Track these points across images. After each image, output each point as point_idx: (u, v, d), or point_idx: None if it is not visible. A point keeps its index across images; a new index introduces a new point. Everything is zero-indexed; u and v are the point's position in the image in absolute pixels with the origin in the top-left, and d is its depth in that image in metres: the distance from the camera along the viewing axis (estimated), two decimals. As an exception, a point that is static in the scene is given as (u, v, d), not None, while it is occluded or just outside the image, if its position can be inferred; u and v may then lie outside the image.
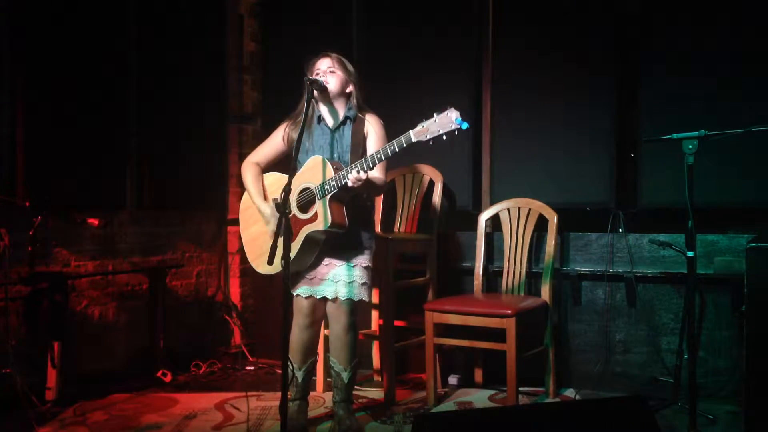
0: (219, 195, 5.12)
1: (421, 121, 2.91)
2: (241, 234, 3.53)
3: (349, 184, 3.03)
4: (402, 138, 2.96)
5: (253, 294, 5.18)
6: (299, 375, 3.39)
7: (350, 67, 3.38)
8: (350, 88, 3.36)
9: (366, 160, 3.02)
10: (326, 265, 3.31)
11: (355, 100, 3.36)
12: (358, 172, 3.01)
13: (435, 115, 2.88)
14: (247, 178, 3.45)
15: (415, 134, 2.91)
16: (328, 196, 3.11)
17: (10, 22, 3.81)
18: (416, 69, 4.61)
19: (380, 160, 3.03)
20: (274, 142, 3.49)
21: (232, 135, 5.17)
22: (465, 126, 2.83)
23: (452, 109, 2.85)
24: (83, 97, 4.16)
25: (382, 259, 3.79)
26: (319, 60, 3.35)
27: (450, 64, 4.52)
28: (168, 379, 4.24)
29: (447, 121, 2.84)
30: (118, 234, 4.41)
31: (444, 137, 2.87)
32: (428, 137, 2.88)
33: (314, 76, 3.29)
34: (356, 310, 3.35)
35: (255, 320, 5.12)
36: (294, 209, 3.21)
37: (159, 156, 4.61)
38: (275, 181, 3.44)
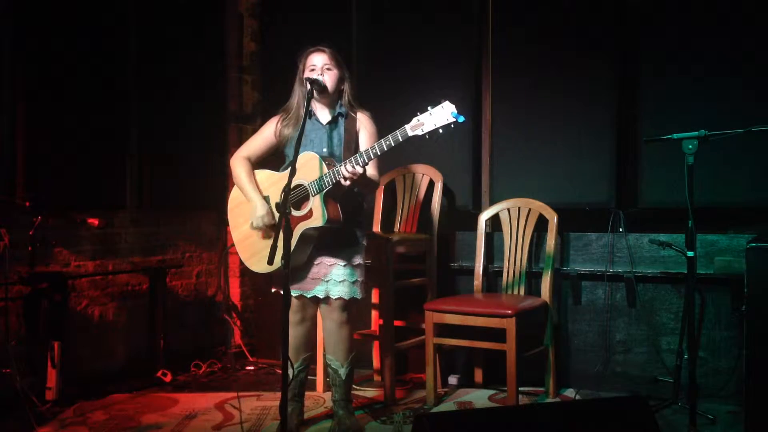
0: (219, 195, 5.10)
1: (416, 115, 2.89)
2: (232, 233, 3.47)
3: (345, 178, 3.02)
4: (398, 132, 2.94)
5: (253, 294, 5.18)
6: (292, 372, 3.36)
7: (343, 62, 3.36)
8: (344, 84, 3.36)
9: (362, 155, 3.01)
10: (317, 264, 3.30)
11: (346, 97, 3.35)
12: (353, 166, 2.99)
13: (430, 108, 2.85)
14: (240, 174, 3.38)
15: (411, 128, 2.89)
16: (323, 192, 3.11)
17: (11, 23, 3.81)
18: (416, 68, 4.60)
19: (376, 155, 3.01)
20: (265, 137, 3.44)
21: (232, 135, 5.17)
22: (461, 119, 2.80)
23: (447, 102, 2.82)
24: (83, 97, 4.16)
25: (382, 259, 3.78)
26: (314, 55, 3.30)
27: (450, 64, 4.52)
28: (168, 379, 4.24)
29: (443, 114, 2.82)
30: (118, 234, 4.41)
31: (440, 131, 2.84)
32: (424, 131, 2.86)
33: (309, 72, 3.27)
34: (349, 306, 3.34)
35: (255, 320, 5.13)
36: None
37: (159, 156, 4.61)
38: (266, 178, 3.39)
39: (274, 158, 3.50)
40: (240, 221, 3.42)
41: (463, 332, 3.87)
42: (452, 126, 2.82)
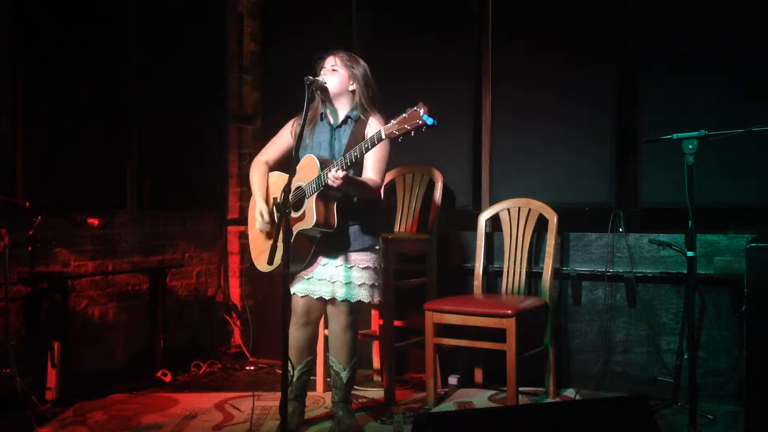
0: (219, 195, 5.12)
1: (394, 117, 2.92)
2: (249, 232, 3.55)
3: (329, 182, 3.03)
4: (374, 136, 2.97)
5: (253, 294, 5.18)
6: (294, 374, 3.37)
7: (357, 66, 3.37)
8: (353, 87, 3.36)
9: (345, 158, 3.03)
10: (323, 265, 3.30)
11: (358, 99, 3.35)
12: (337, 171, 3.01)
13: (407, 110, 2.88)
14: (254, 176, 3.49)
15: (385, 130, 2.92)
16: (315, 194, 3.12)
17: (11, 22, 3.81)
18: (416, 69, 4.60)
19: (356, 158, 3.03)
20: (283, 139, 3.52)
21: (232, 135, 5.17)
22: (430, 122, 2.82)
23: (421, 104, 2.85)
24: (83, 97, 4.16)
25: (382, 259, 3.78)
26: (327, 58, 3.37)
27: (450, 64, 4.52)
28: (168, 379, 4.24)
29: (414, 116, 2.84)
30: (118, 234, 4.41)
31: (412, 133, 2.88)
32: (397, 133, 2.89)
33: (320, 74, 3.31)
34: (355, 310, 3.35)
35: (255, 320, 5.12)
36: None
37: (159, 156, 4.61)
38: (276, 179, 3.46)
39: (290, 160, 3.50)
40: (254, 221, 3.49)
41: (463, 332, 3.87)
42: (423, 129, 2.85)
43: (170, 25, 4.70)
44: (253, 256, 3.50)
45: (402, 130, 2.87)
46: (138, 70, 4.48)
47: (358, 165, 3.23)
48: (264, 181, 3.47)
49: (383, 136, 2.93)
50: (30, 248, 3.69)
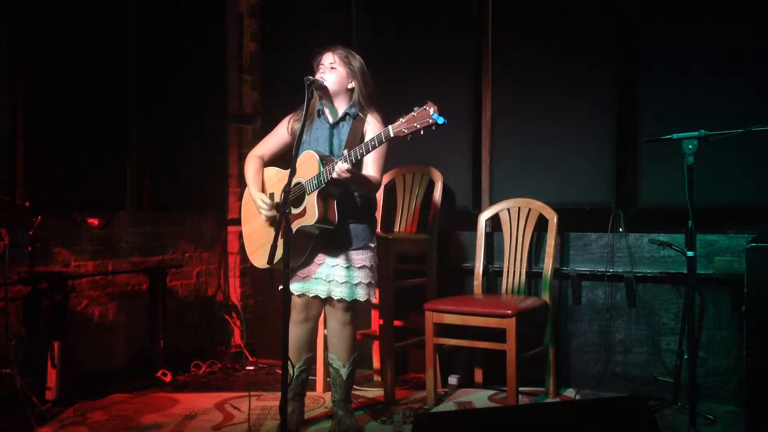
0: (219, 195, 5.12)
1: (401, 116, 2.91)
2: (242, 228, 3.55)
3: (334, 176, 3.02)
4: (381, 133, 2.96)
5: (253, 294, 5.18)
6: (293, 372, 3.37)
7: (355, 63, 3.36)
8: (352, 84, 3.35)
9: (350, 155, 3.02)
10: (320, 264, 3.30)
11: (357, 97, 3.34)
12: (344, 163, 3.00)
13: (415, 109, 2.87)
14: (249, 170, 3.46)
15: (393, 129, 2.91)
16: (317, 191, 3.12)
17: (11, 22, 3.82)
18: (416, 69, 4.60)
19: (362, 155, 3.03)
20: (279, 134, 3.50)
21: (232, 135, 5.18)
22: (441, 120, 2.80)
23: (431, 103, 2.84)
24: (83, 97, 4.16)
25: (382, 259, 3.78)
26: (324, 55, 3.34)
27: (450, 65, 4.52)
28: (168, 379, 4.24)
29: (424, 115, 2.83)
30: (118, 234, 4.41)
31: (422, 132, 2.86)
32: (406, 132, 2.87)
33: (317, 71, 3.30)
34: (353, 307, 3.34)
35: (255, 320, 5.13)
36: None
37: (159, 156, 4.61)
38: (273, 175, 3.45)
39: (288, 156, 3.50)
40: (249, 216, 3.49)
41: (463, 332, 3.87)
42: (434, 128, 2.83)
43: (170, 25, 4.70)
44: (248, 252, 3.48)
45: (411, 129, 2.85)
46: (138, 69, 4.48)
47: (359, 162, 3.23)
48: (259, 176, 3.45)
49: (391, 134, 2.91)
50: (30, 248, 3.69)
